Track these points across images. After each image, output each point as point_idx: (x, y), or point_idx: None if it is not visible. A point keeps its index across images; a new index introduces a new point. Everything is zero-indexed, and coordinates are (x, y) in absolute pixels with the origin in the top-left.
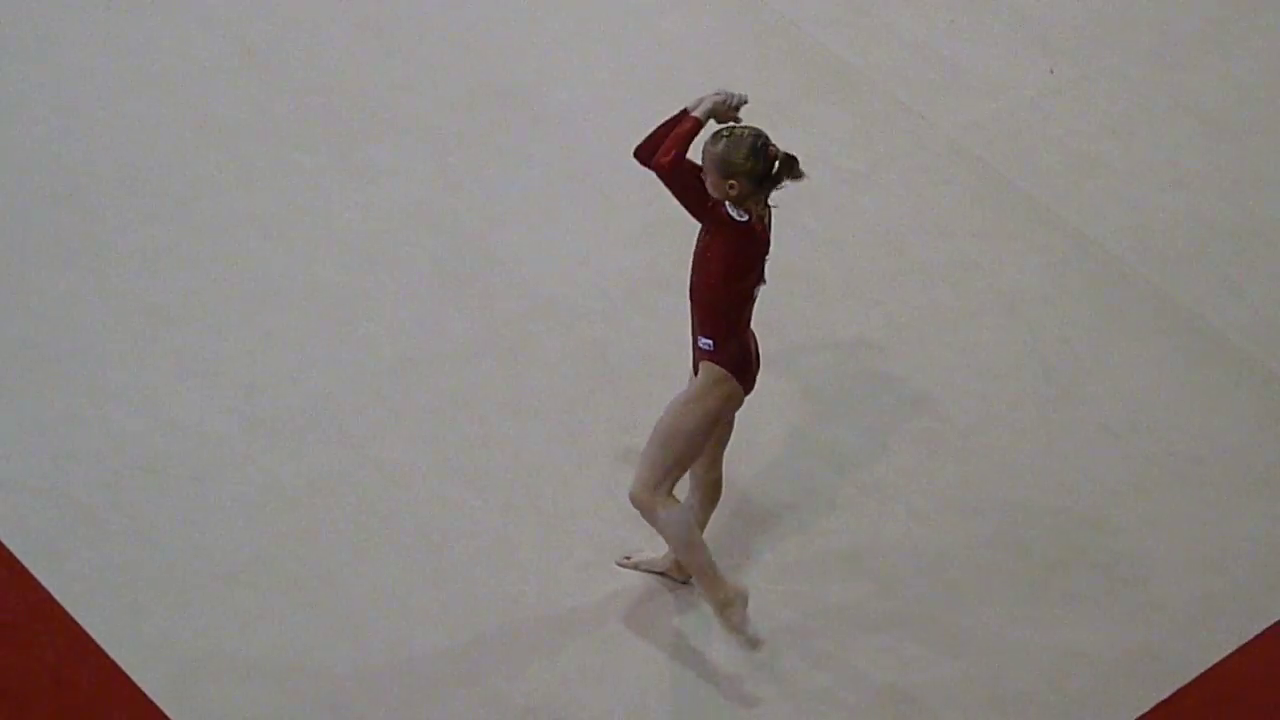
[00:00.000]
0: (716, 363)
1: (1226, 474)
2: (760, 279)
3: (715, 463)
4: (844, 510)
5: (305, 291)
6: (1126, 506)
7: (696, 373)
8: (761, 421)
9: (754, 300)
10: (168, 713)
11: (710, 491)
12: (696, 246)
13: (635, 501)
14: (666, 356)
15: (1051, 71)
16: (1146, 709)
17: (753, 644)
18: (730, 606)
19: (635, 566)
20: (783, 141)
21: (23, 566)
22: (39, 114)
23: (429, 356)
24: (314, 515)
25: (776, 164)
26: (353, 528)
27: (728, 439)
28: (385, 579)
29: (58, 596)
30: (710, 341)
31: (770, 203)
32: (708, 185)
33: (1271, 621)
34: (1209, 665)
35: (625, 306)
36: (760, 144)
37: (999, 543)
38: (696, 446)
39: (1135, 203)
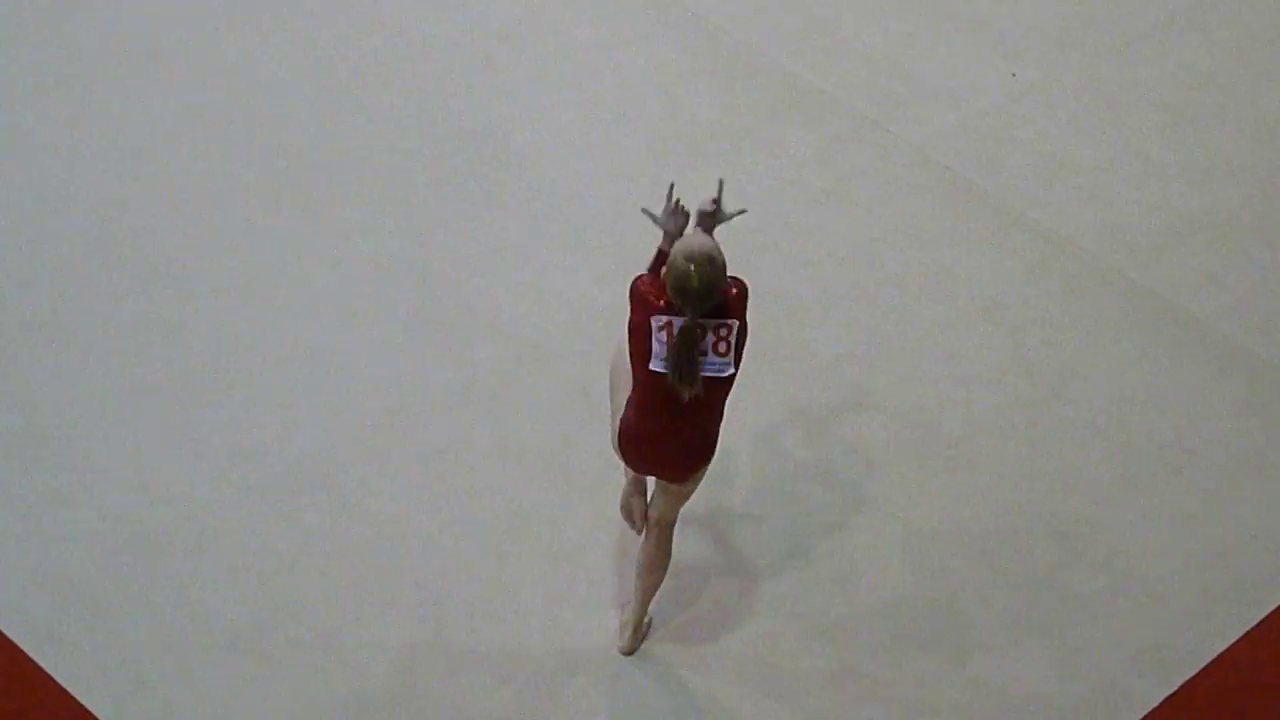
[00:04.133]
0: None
1: (1218, 464)
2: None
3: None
4: (838, 530)
5: (285, 353)
6: (1121, 503)
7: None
8: (749, 446)
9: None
10: None
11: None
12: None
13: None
14: None
15: (1014, 75)
16: (1155, 704)
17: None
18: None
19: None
20: (749, 165)
21: (24, 653)
22: (4, 196)
23: (413, 408)
24: (310, 577)
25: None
26: (350, 586)
27: (665, 511)
28: (386, 635)
29: (60, 680)
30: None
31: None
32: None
33: (1273, 608)
34: (1214, 655)
35: (604, 344)
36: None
37: (996, 549)
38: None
39: (1107, 199)
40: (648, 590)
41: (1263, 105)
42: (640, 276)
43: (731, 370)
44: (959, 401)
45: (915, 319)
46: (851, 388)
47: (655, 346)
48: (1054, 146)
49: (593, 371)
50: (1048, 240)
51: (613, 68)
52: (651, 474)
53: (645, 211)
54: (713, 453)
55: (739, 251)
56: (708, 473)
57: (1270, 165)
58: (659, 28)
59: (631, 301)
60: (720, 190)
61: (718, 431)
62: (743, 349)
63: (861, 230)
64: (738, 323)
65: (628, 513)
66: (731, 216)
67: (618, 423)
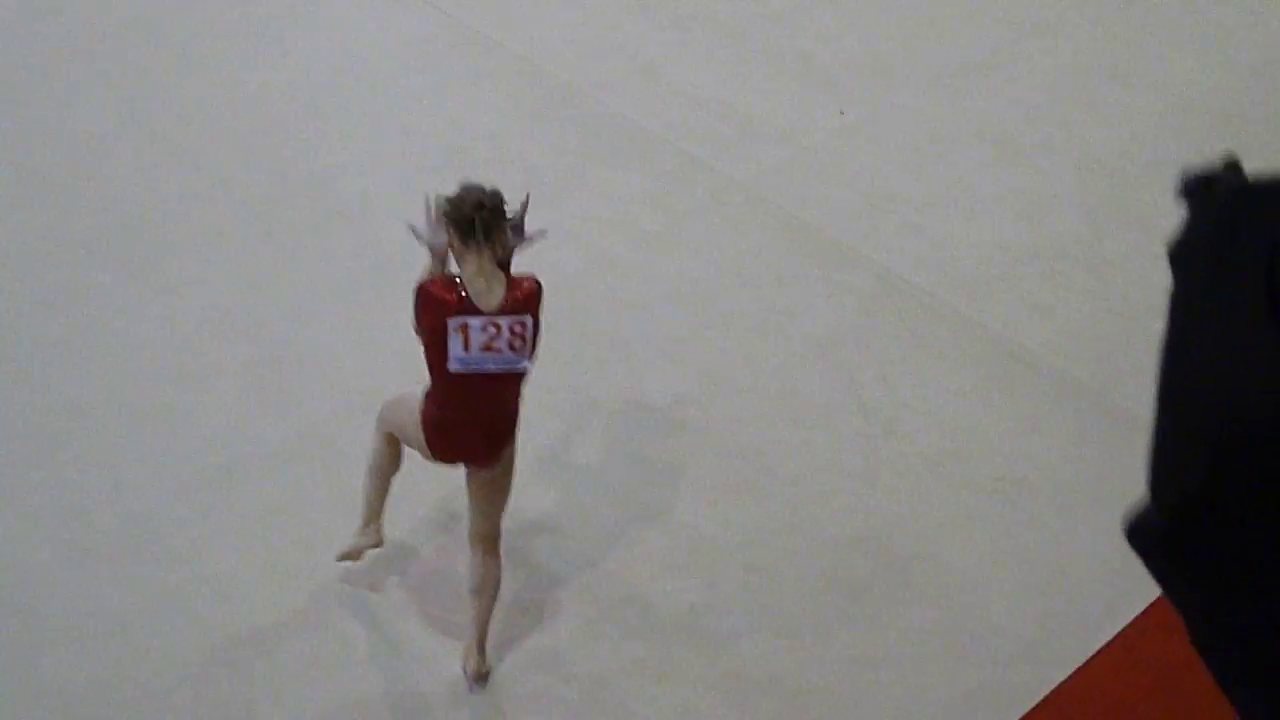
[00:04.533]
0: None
1: (1052, 494)
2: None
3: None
4: (677, 571)
5: (114, 410)
6: (957, 537)
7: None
8: (586, 490)
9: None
10: None
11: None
12: None
13: None
14: None
15: (842, 113)
16: None
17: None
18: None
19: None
20: (579, 208)
21: None
22: None
23: (247, 463)
24: (145, 636)
25: (476, 218)
26: (186, 645)
27: (482, 521)
28: (223, 693)
29: None
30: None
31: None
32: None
33: (1111, 635)
34: (1053, 687)
35: None
36: (467, 196)
37: (834, 587)
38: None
39: (935, 234)
40: (483, 610)
41: (1087, 138)
42: (426, 282)
43: (525, 365)
44: (794, 440)
45: (749, 359)
46: (686, 429)
47: (453, 349)
48: (882, 182)
49: None
50: (878, 276)
51: (441, 114)
52: (460, 460)
53: (410, 227)
54: (515, 430)
55: (570, 295)
56: (548, 519)
57: (1096, 196)
58: (486, 73)
59: (421, 307)
60: (524, 207)
61: (518, 410)
62: (537, 344)
63: (693, 271)
64: (533, 319)
65: (356, 552)
66: (532, 236)
67: (411, 433)
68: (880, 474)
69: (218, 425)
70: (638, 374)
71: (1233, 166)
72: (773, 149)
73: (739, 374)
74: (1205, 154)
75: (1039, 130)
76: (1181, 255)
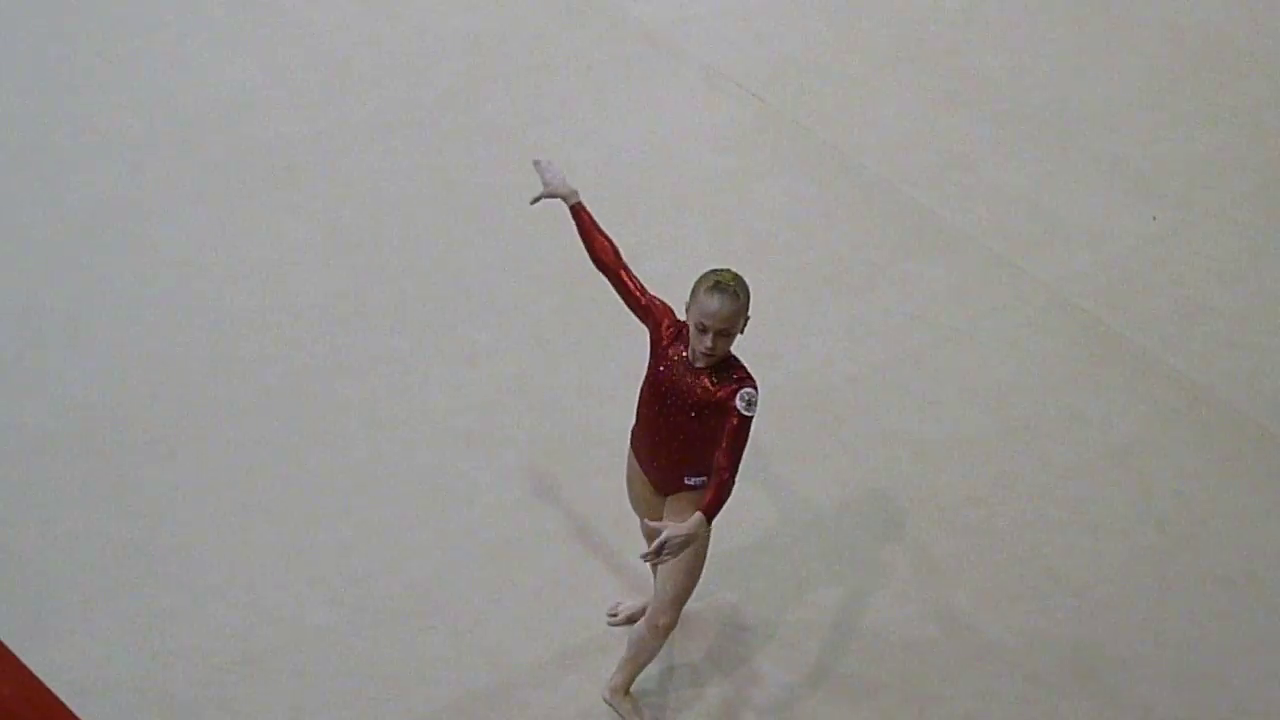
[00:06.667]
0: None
1: None
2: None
3: None
4: (957, 676)
5: (403, 477)
6: (1249, 660)
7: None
8: (872, 587)
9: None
10: None
11: None
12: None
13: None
14: (783, 517)
15: (1154, 219)
16: None
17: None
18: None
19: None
20: (880, 301)
21: None
22: (132, 313)
23: (531, 537)
24: (420, 705)
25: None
26: (459, 716)
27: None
28: None
29: None
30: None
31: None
32: None
33: None
34: None
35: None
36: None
37: (1117, 703)
38: None
39: (1245, 347)
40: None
41: None
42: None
43: None
44: (1085, 549)
45: (1043, 463)
46: (976, 531)
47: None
48: (1193, 291)
49: None
50: (1182, 387)
51: (747, 198)
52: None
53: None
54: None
55: (867, 387)
56: (826, 611)
57: None
58: (795, 159)
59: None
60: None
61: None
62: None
63: (992, 370)
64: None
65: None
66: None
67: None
68: (1172, 591)
69: (504, 497)
70: (929, 470)
71: None
72: (1081, 251)
73: (1031, 478)
74: None
75: None
76: None
